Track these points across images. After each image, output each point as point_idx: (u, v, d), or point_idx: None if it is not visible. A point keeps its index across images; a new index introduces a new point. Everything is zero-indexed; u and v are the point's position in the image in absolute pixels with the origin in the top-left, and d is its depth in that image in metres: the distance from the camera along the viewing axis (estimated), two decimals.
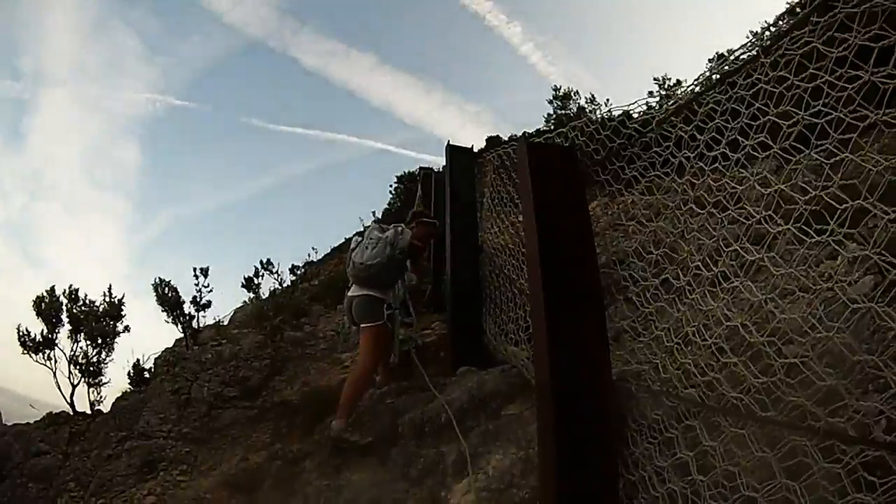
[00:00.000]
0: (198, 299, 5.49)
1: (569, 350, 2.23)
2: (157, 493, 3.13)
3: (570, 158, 2.63)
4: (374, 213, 8.34)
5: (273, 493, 3.01)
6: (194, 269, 5.47)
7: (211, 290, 5.52)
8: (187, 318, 5.36)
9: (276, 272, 6.27)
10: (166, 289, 5.36)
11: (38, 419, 4.63)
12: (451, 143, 4.88)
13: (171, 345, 5.29)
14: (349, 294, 3.93)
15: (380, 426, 3.46)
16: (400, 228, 3.96)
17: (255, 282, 5.97)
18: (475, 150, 4.94)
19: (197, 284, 5.49)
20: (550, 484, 2.10)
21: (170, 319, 5.31)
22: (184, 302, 5.45)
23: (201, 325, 5.51)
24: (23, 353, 4.85)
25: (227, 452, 3.56)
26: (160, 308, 5.27)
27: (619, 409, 2.33)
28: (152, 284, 5.33)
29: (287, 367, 4.52)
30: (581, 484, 2.06)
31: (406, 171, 8.68)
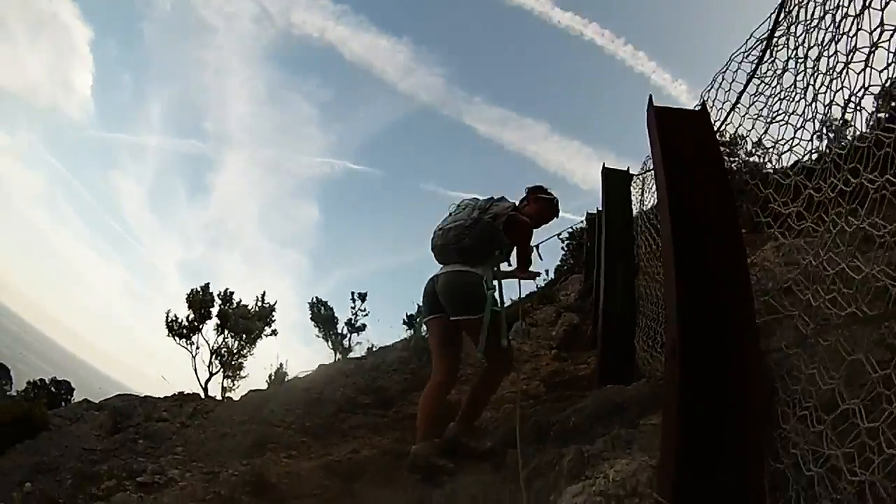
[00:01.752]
0: (352, 321, 5.81)
1: (702, 299, 1.72)
2: (254, 465, 3.17)
3: (703, 122, 2.25)
4: (546, 271, 8.10)
5: (370, 483, 2.83)
6: (352, 293, 5.85)
7: (367, 314, 5.81)
8: (339, 335, 5.66)
9: None
10: (322, 308, 5.80)
11: (168, 395, 4.90)
12: (605, 165, 4.65)
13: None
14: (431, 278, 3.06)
15: (505, 431, 3.09)
16: (498, 196, 3.08)
17: (418, 320, 6.14)
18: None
19: (353, 307, 5.85)
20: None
21: (321, 334, 5.67)
22: (337, 321, 5.79)
23: (353, 344, 5.77)
24: (167, 336, 5.60)
25: (341, 447, 3.48)
26: (313, 324, 5.65)
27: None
28: (308, 302, 5.79)
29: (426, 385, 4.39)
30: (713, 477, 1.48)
31: (578, 227, 8.29)
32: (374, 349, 5.60)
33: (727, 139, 2.75)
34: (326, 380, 4.60)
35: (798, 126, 1.77)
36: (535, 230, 3.16)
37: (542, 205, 3.27)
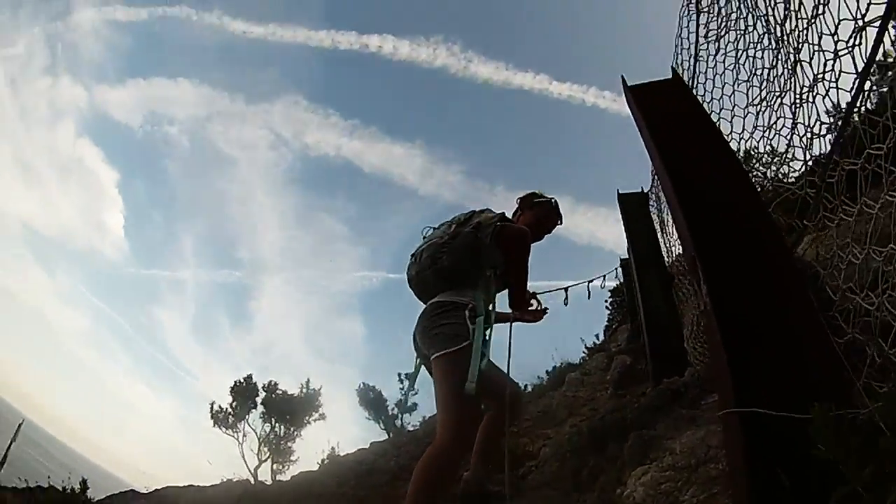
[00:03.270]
0: (403, 402, 5.65)
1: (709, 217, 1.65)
2: None
3: (678, 85, 2.34)
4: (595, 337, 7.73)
5: None
6: (398, 375, 5.77)
7: (416, 393, 5.63)
8: (390, 416, 5.47)
9: None
10: (370, 392, 5.67)
11: (217, 483, 4.73)
12: (619, 191, 4.71)
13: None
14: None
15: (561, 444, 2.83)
16: (481, 208, 2.37)
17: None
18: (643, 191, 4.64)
19: (402, 389, 5.72)
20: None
21: (371, 417, 5.49)
22: (387, 402, 5.65)
23: (405, 423, 5.54)
24: (213, 426, 5.45)
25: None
26: (362, 408, 5.50)
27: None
28: (356, 390, 5.69)
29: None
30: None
31: (619, 284, 8.03)
32: (426, 419, 5.36)
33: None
34: (379, 452, 4.38)
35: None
36: (533, 243, 2.38)
37: (538, 210, 2.58)
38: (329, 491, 3.78)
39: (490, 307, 2.24)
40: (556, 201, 2.67)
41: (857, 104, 1.34)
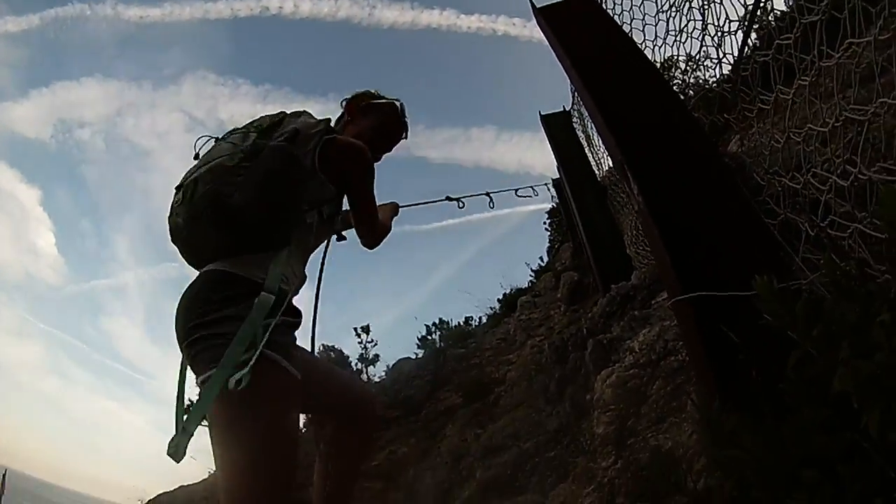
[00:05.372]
0: (364, 355, 5.72)
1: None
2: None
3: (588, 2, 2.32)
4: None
5: (409, 460, 2.73)
6: (354, 329, 5.78)
7: (375, 345, 5.72)
8: (356, 371, 5.55)
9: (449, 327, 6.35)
10: (331, 353, 5.69)
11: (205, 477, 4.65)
12: (541, 112, 4.76)
13: None
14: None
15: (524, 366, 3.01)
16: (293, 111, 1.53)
17: (430, 338, 6.06)
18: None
19: (361, 342, 5.78)
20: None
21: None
22: (349, 358, 5.70)
23: (371, 376, 5.64)
24: None
25: (378, 455, 3.32)
26: None
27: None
28: (317, 353, 5.66)
29: (451, 380, 4.29)
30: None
31: (556, 205, 8.21)
32: (390, 367, 5.50)
33: None
34: None
35: None
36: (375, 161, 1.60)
37: (375, 116, 1.74)
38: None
39: (300, 273, 1.45)
40: (401, 104, 1.82)
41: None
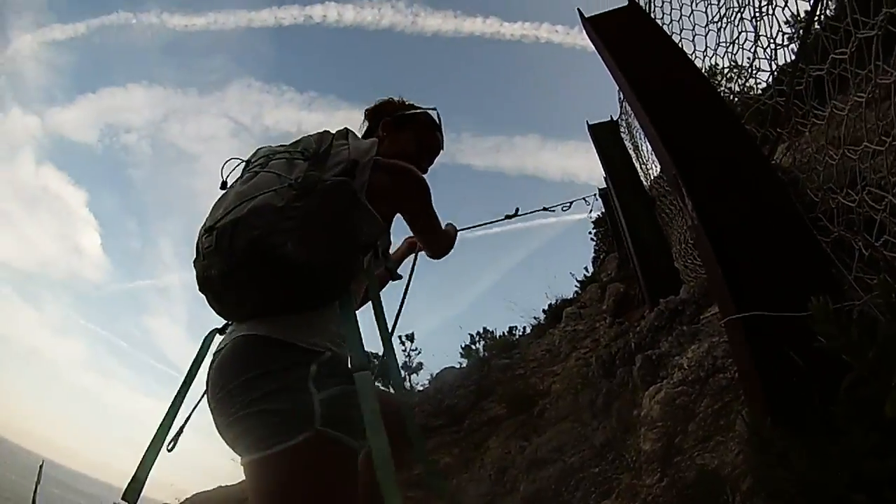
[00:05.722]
0: (408, 363, 5.79)
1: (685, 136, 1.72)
2: None
3: (636, 11, 2.34)
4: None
5: (452, 470, 2.75)
6: (399, 338, 5.86)
7: (419, 353, 5.79)
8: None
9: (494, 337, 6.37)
10: (375, 360, 5.74)
11: (243, 479, 4.84)
12: (588, 122, 4.74)
13: None
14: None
15: (570, 378, 2.99)
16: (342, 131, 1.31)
17: (474, 347, 6.09)
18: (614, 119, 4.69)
19: (405, 350, 5.86)
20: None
21: (382, 384, 5.59)
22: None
23: (414, 384, 5.69)
24: None
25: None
26: None
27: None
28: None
29: (495, 391, 4.29)
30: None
31: (601, 214, 8.07)
32: (433, 377, 5.54)
33: None
34: None
35: None
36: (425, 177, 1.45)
37: (414, 127, 1.58)
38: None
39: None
40: (437, 112, 1.65)
41: (818, 12, 1.38)
